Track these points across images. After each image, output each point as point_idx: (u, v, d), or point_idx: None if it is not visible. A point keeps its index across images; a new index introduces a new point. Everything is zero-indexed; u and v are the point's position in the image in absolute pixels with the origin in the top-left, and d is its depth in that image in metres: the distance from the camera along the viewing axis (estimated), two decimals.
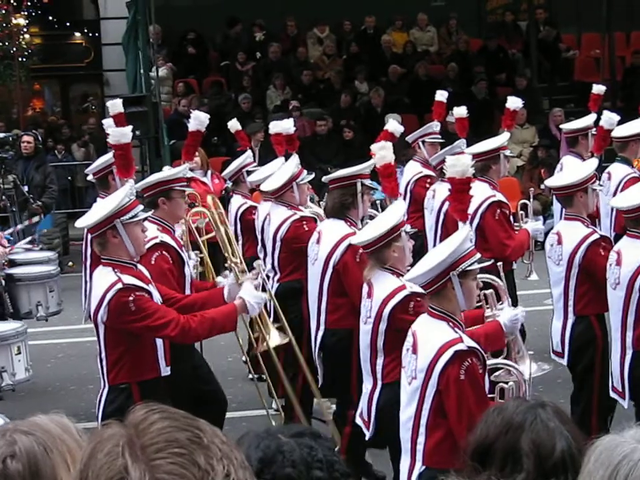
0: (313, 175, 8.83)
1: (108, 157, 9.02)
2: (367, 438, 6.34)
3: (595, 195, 7.39)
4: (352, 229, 7.26)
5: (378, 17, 20.67)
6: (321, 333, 7.47)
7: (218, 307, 6.48)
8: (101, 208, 6.25)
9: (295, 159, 8.76)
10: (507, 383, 5.48)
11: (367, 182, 7.54)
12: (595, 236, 7.17)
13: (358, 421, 6.44)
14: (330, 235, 7.42)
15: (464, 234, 5.25)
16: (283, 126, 9.66)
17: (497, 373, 5.67)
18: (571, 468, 2.86)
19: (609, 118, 9.47)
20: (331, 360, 7.42)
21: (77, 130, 21.89)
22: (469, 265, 5.11)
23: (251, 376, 10.21)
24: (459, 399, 4.94)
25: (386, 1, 20.73)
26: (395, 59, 20.26)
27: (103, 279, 6.08)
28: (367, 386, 6.33)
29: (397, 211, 6.38)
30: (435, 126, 10.49)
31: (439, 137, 10.51)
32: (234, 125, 11.11)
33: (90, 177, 9.40)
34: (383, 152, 7.25)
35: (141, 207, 6.28)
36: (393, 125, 8.88)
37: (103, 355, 6.20)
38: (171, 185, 7.12)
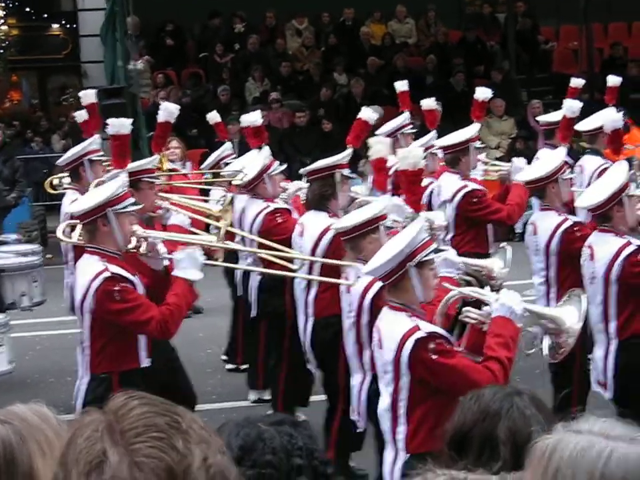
0: (285, 166, 8.83)
1: (79, 149, 9.01)
2: (359, 430, 6.36)
3: (567, 184, 7.63)
4: (334, 219, 7.30)
5: (356, 8, 20.68)
6: (310, 325, 7.49)
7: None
8: (93, 196, 6.26)
9: (265, 151, 8.75)
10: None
11: (346, 172, 7.57)
12: (568, 222, 7.48)
13: (352, 415, 6.45)
14: (313, 228, 7.47)
15: (419, 225, 5.27)
16: (249, 119, 9.60)
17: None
18: None
19: (570, 106, 9.47)
20: (321, 349, 7.43)
21: (55, 122, 21.81)
22: (426, 256, 5.14)
23: (229, 366, 10.26)
24: (447, 373, 4.99)
25: None
26: (373, 51, 20.28)
27: (89, 268, 6.08)
28: (355, 379, 6.36)
29: (379, 204, 6.42)
30: (408, 117, 10.53)
31: (412, 127, 10.56)
32: (213, 116, 11.10)
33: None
34: (379, 146, 7.30)
35: (132, 199, 6.27)
36: (367, 113, 8.86)
37: (87, 343, 6.21)
38: (139, 175, 7.10)
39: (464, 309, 5.33)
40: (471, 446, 2.96)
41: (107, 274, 5.99)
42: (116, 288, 5.97)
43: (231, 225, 8.59)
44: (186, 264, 6.22)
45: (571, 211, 8.04)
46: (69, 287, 8.24)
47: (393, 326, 5.15)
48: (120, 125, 7.14)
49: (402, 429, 5.16)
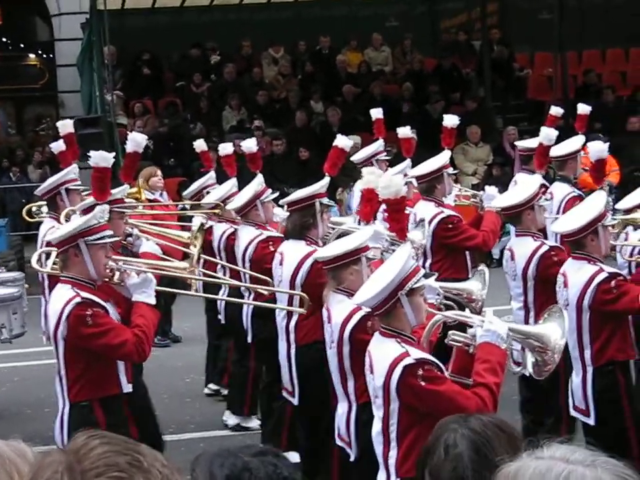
0: (277, 194, 8.88)
1: (56, 178, 9.00)
2: (352, 459, 6.35)
3: (542, 211, 7.69)
4: (312, 247, 7.34)
5: (332, 37, 20.77)
6: (293, 352, 7.50)
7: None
8: (69, 225, 6.27)
9: (258, 178, 8.78)
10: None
11: (325, 200, 7.61)
12: (545, 247, 7.55)
13: (338, 442, 6.44)
14: (292, 256, 7.48)
15: (406, 253, 5.29)
16: (246, 145, 9.67)
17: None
18: None
19: (547, 134, 9.54)
20: (305, 376, 7.41)
21: (33, 152, 21.78)
22: (416, 283, 5.17)
23: (206, 391, 10.26)
24: (435, 400, 4.99)
25: (340, 21, 20.89)
26: (349, 79, 20.36)
27: (61, 295, 6.11)
28: (342, 407, 6.36)
29: (362, 235, 6.43)
30: (381, 144, 10.59)
31: (385, 154, 10.62)
32: (200, 145, 11.13)
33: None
34: (370, 177, 7.33)
35: (110, 232, 6.29)
36: (342, 140, 8.90)
37: (63, 372, 6.19)
38: (110, 206, 7.11)
39: (449, 332, 5.35)
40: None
41: (78, 299, 6.00)
42: (88, 312, 5.98)
43: (207, 253, 8.65)
44: (143, 288, 6.29)
45: (547, 236, 8.11)
46: (46, 316, 8.23)
47: (383, 352, 5.17)
48: (101, 158, 7.14)
49: (393, 453, 5.18)
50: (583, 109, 10.91)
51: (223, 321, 9.43)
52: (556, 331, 5.31)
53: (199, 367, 10.63)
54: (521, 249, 7.65)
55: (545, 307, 7.36)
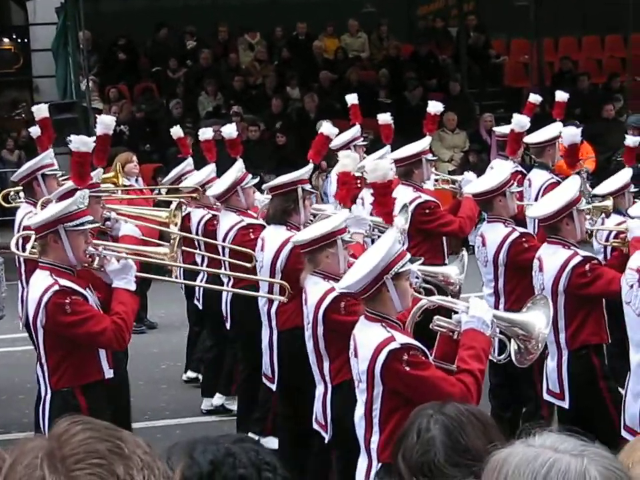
0: (257, 179, 8.86)
1: (33, 163, 8.94)
2: (326, 441, 6.36)
3: (513, 197, 7.73)
4: (293, 232, 7.35)
5: (309, 23, 20.71)
6: (275, 337, 7.49)
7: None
8: (48, 210, 6.23)
9: (238, 164, 8.75)
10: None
11: (307, 187, 7.63)
12: (515, 234, 7.60)
13: (315, 426, 6.45)
14: (272, 241, 7.52)
15: (392, 237, 5.29)
16: (226, 131, 9.63)
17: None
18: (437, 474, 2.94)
19: (519, 121, 9.59)
20: (288, 362, 7.40)
21: (6, 137, 21.64)
22: (401, 267, 5.16)
23: (184, 377, 10.23)
24: (420, 385, 5.00)
25: (317, 7, 20.81)
26: (326, 65, 20.32)
27: (40, 283, 6.08)
28: (319, 390, 6.37)
29: (338, 218, 6.46)
30: (358, 130, 10.59)
31: (363, 139, 10.62)
32: (176, 131, 11.09)
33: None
34: (346, 160, 7.33)
35: (90, 217, 6.25)
36: (328, 127, 8.94)
37: (43, 360, 6.18)
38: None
39: (434, 317, 5.35)
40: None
41: (56, 287, 5.98)
42: (67, 300, 5.96)
43: (185, 238, 8.63)
44: (123, 274, 6.27)
45: (520, 223, 8.13)
46: (23, 301, 8.19)
47: (368, 336, 5.17)
48: (81, 143, 7.08)
49: (375, 438, 5.19)
50: (561, 96, 10.94)
51: (201, 307, 9.41)
52: (540, 319, 5.32)
53: (175, 353, 10.62)
54: (492, 235, 7.71)
55: (514, 294, 7.52)
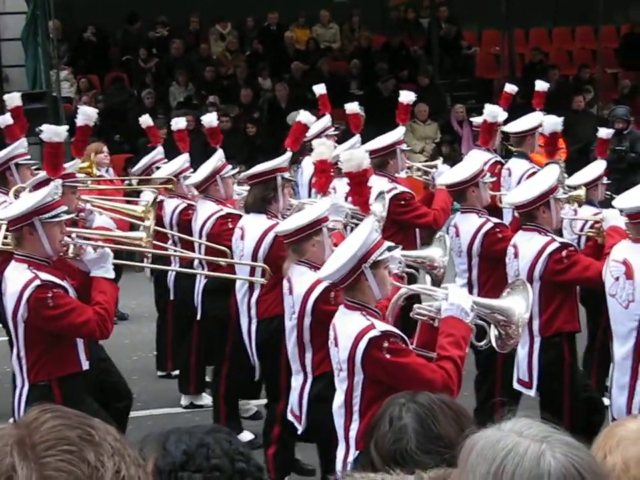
0: (237, 169, 8.84)
1: (5, 153, 8.88)
2: (299, 432, 6.36)
3: (487, 188, 7.76)
4: (273, 220, 7.35)
5: (281, 13, 20.68)
6: (254, 327, 7.48)
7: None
8: (22, 202, 6.19)
9: (218, 153, 8.72)
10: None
11: (286, 175, 7.61)
12: (489, 224, 7.66)
13: (289, 417, 6.44)
14: (253, 230, 7.48)
15: (369, 225, 5.29)
16: (206, 120, 9.62)
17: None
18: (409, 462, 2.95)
19: (491, 111, 9.63)
20: (265, 350, 7.39)
21: None
22: (379, 255, 5.16)
23: (160, 373, 10.20)
24: (400, 372, 5.01)
25: None
26: (298, 56, 20.29)
27: (19, 276, 6.05)
28: (297, 380, 6.36)
29: (321, 206, 6.44)
30: (328, 119, 10.59)
31: (334, 129, 10.63)
32: (145, 120, 11.04)
33: None
34: (322, 148, 7.33)
35: (65, 208, 6.21)
36: (305, 116, 8.94)
37: (22, 353, 6.17)
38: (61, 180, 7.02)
39: (415, 305, 5.36)
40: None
41: (37, 282, 5.97)
42: (49, 294, 5.95)
43: (159, 226, 8.58)
44: (101, 262, 6.25)
45: (493, 213, 8.15)
46: None
47: (348, 324, 5.18)
48: (54, 133, 7.03)
49: (355, 426, 5.21)
50: (541, 85, 11.01)
51: (172, 297, 9.36)
52: (520, 304, 5.33)
53: (146, 344, 10.59)
54: (466, 225, 7.75)
55: (488, 284, 7.55)
